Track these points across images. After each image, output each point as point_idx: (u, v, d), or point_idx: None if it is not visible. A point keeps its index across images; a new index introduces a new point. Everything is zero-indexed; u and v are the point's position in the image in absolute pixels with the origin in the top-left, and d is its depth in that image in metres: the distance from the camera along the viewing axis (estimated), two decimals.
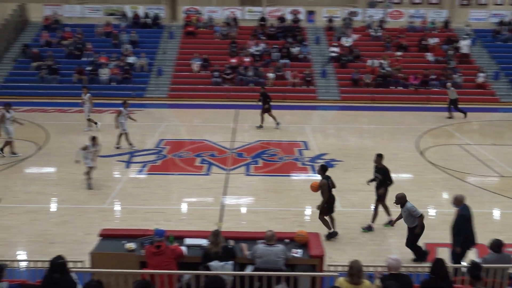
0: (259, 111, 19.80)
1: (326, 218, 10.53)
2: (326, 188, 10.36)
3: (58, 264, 6.33)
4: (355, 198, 12.75)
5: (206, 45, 28.38)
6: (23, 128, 18.70)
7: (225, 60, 26.71)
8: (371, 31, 29.35)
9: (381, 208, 10.94)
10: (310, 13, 31.64)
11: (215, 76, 25.60)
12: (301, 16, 30.59)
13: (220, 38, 28.71)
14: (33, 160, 15.63)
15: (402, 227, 11.02)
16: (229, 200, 12.64)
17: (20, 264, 8.39)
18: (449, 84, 22.50)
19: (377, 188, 10.87)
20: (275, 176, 14.43)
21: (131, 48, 27.25)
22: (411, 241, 9.47)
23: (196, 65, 26.41)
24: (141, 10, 30.48)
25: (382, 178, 10.75)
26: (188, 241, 7.96)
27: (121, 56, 26.67)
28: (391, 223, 10.66)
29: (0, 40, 28.07)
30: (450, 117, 21.51)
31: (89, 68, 25.72)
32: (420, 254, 9.41)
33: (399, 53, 27.57)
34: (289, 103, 24.36)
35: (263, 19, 30.01)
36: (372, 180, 11.17)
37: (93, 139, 13.10)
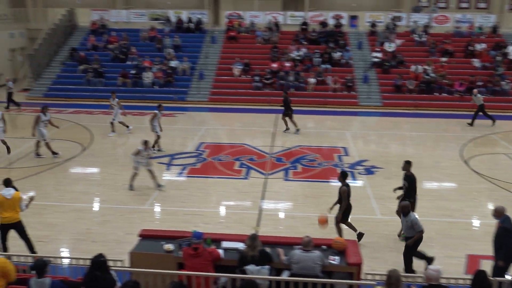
0: (298, 116, 19.73)
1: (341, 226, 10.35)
2: (346, 195, 10.19)
3: (100, 262, 6.48)
4: (395, 206, 12.44)
5: (247, 49, 28.55)
6: (70, 129, 19.32)
7: (266, 65, 26.78)
8: (415, 36, 28.79)
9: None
10: (353, 18, 31.34)
11: (256, 80, 25.70)
12: (344, 21, 30.35)
13: (262, 43, 28.82)
14: (78, 161, 16.09)
15: (445, 237, 10.75)
16: (267, 205, 12.63)
17: (63, 261, 8.62)
18: (475, 90, 21.86)
19: (404, 196, 10.51)
20: (314, 181, 14.33)
21: (174, 52, 27.72)
22: (407, 252, 9.16)
23: (237, 69, 26.61)
24: (184, 15, 30.99)
25: (408, 186, 10.48)
26: (225, 244, 8.00)
27: (164, 60, 27.16)
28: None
29: (50, 43, 29.12)
30: (470, 124, 20.98)
31: (133, 71, 26.31)
32: (409, 268, 9.05)
33: (444, 59, 26.91)
34: (329, 109, 24.18)
35: (305, 23, 29.94)
36: (399, 188, 10.92)
37: (145, 143, 13.13)
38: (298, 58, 27.04)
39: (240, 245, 7.92)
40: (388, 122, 22.31)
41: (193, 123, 21.64)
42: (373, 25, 29.81)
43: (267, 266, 7.29)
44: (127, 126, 19.29)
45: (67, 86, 26.35)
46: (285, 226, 11.45)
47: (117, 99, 19.07)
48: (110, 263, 6.89)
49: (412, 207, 10.27)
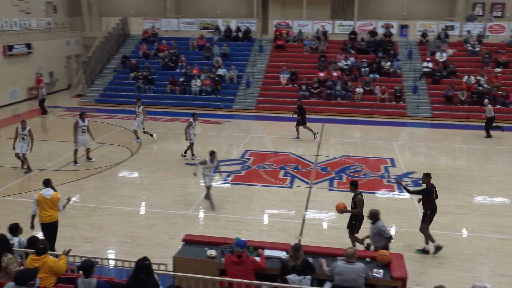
0: (344, 126, 19.50)
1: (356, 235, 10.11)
2: (361, 204, 9.85)
3: (145, 265, 6.59)
4: (444, 220, 12.11)
5: (295, 58, 28.55)
6: (119, 134, 19.83)
7: (313, 74, 26.67)
8: (469, 46, 27.95)
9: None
10: (403, 27, 30.78)
11: (303, 89, 25.63)
12: (394, 30, 29.86)
13: (309, 52, 28.75)
14: (127, 165, 16.51)
15: (498, 254, 10.34)
16: (311, 214, 12.53)
17: (109, 263, 8.83)
18: (486, 101, 21.25)
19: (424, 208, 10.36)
20: None
21: (222, 60, 28.07)
22: None
23: (284, 78, 26.63)
24: (233, 24, 31.36)
25: (423, 197, 10.33)
26: (268, 252, 7.98)
27: (212, 68, 27.55)
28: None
29: (103, 51, 30.13)
30: (488, 136, 20.49)
31: (181, 79, 26.81)
32: None
33: (498, 70, 25.98)
34: (377, 119, 23.80)
35: (353, 33, 29.66)
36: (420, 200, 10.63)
37: (212, 154, 12.65)
38: (345, 67, 26.80)
39: (283, 254, 7.90)
40: (438, 133, 21.70)
41: (239, 130, 21.79)
42: (424, 34, 29.17)
43: (308, 276, 7.22)
44: (152, 135, 19.19)
45: (118, 92, 27.14)
46: (328, 236, 11.31)
47: (142, 106, 19.00)
48: (154, 267, 7.00)
49: (430, 218, 10.26)
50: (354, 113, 24.28)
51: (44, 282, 6.76)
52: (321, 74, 26.34)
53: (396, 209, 12.88)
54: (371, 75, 26.29)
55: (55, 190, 9.99)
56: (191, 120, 16.66)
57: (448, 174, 15.74)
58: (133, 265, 7.05)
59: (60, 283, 7.04)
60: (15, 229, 8.58)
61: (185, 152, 16.90)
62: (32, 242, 8.13)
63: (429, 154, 18.58)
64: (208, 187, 12.75)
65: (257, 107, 25.48)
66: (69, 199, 10.07)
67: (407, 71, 26.96)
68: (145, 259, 6.76)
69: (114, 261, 8.67)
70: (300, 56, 28.80)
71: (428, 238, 10.35)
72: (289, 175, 15.51)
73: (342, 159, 17.22)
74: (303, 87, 25.65)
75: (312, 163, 16.74)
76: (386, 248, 8.90)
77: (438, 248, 10.28)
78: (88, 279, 6.53)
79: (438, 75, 25.93)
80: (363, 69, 26.69)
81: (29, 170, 15.46)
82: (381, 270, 7.48)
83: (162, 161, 16.77)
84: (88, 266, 6.57)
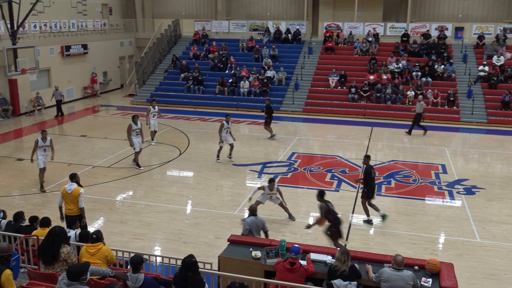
0: (394, 130, 19.09)
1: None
2: (323, 211, 9.98)
3: (192, 263, 6.67)
4: (497, 230, 11.66)
5: (344, 60, 28.24)
6: (169, 133, 20.22)
7: (363, 77, 26.28)
8: None
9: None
10: (458, 29, 29.85)
11: (352, 92, 25.31)
12: (448, 33, 28.99)
13: (359, 54, 28.36)
14: (175, 164, 16.80)
15: None
16: (357, 219, 12.33)
17: (156, 259, 9.00)
18: (420, 97, 21.64)
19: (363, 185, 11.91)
20: (408, 198, 13.77)
21: (271, 62, 28.12)
22: None
23: (333, 80, 26.39)
24: (283, 25, 31.37)
25: (365, 177, 11.79)
26: (313, 256, 7.91)
27: (261, 69, 27.64)
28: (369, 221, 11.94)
29: (155, 52, 30.84)
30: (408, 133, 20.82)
31: (230, 80, 27.04)
32: None
33: None
34: (428, 123, 23.15)
35: (405, 35, 29.02)
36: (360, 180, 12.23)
37: (270, 181, 11.94)
38: (397, 70, 26.25)
39: (328, 258, 7.81)
40: (493, 140, 20.89)
41: (286, 132, 21.74)
42: (481, 37, 28.17)
43: (354, 282, 7.11)
44: (152, 139, 19.04)
45: (169, 92, 27.69)
46: (375, 242, 11.10)
47: (157, 107, 18.95)
48: (199, 265, 7.07)
49: (368, 195, 11.83)
50: (404, 117, 23.74)
51: None
52: (371, 77, 25.92)
53: (447, 217, 12.50)
54: (423, 79, 25.63)
55: (79, 185, 10.24)
56: (224, 121, 16.56)
57: (503, 182, 15.14)
58: (179, 262, 7.16)
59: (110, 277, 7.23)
60: (72, 222, 8.94)
61: (230, 154, 16.93)
62: (85, 235, 8.44)
63: (483, 161, 17.91)
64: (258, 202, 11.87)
65: (305, 109, 25.35)
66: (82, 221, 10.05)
67: (462, 75, 26.12)
68: (191, 256, 6.84)
69: (161, 257, 8.82)
70: (350, 58, 28.46)
71: (367, 211, 11.98)
72: (336, 178, 15.34)
73: (391, 164, 16.87)
74: (352, 89, 25.32)
75: (359, 167, 16.48)
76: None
77: (383, 217, 11.84)
78: (136, 274, 6.67)
79: (495, 79, 24.98)
80: (414, 73, 26.06)
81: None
82: (430, 279, 7.26)
83: (209, 161, 16.96)
84: (137, 262, 6.71)
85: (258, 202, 11.77)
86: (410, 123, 21.00)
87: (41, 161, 13.80)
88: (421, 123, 21.02)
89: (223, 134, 16.45)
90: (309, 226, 10.68)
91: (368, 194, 11.90)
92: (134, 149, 15.98)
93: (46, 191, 13.95)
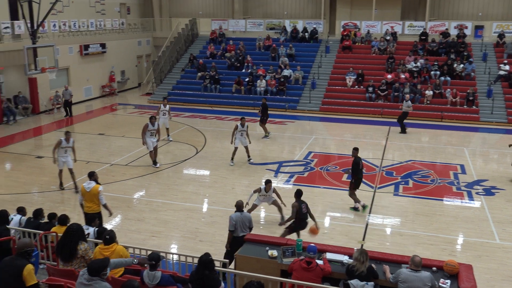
0: (412, 129, 18.89)
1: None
2: (294, 210, 10.22)
3: (209, 261, 6.69)
4: None
5: (362, 59, 28.06)
6: (185, 132, 20.32)
7: (381, 76, 26.08)
8: None
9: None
10: (478, 27, 29.45)
11: (369, 91, 25.13)
12: (468, 31, 28.61)
13: (377, 53, 28.15)
14: (192, 162, 16.88)
15: None
16: (374, 219, 12.25)
17: (173, 257, 9.05)
18: (407, 96, 21.60)
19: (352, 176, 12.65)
20: (425, 199, 13.63)
21: (287, 61, 28.06)
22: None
23: (350, 79, 26.24)
24: (300, 24, 31.27)
25: (352, 169, 12.56)
26: (329, 255, 7.88)
27: (277, 68, 27.60)
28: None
29: (172, 51, 31.00)
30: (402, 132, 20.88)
31: (247, 79, 27.06)
32: None
33: None
34: (446, 123, 22.92)
35: (424, 34, 28.73)
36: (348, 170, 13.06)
37: (267, 183, 11.76)
38: (415, 69, 25.99)
39: (345, 258, 7.77)
40: None
41: (303, 132, 21.68)
42: (501, 35, 27.74)
43: (371, 283, 7.05)
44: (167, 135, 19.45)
45: (186, 91, 27.81)
46: (392, 242, 11.02)
47: (168, 106, 19.27)
48: (216, 264, 7.09)
49: (355, 186, 12.67)
50: (422, 117, 23.51)
51: (114, 271, 7.04)
52: (389, 76, 25.71)
53: (465, 217, 12.35)
54: (442, 78, 25.34)
55: (98, 183, 10.32)
56: (238, 124, 16.34)
57: None
58: (195, 260, 7.18)
59: (127, 274, 7.29)
60: (92, 219, 9.04)
61: (248, 156, 16.83)
62: (100, 233, 8.51)
63: (503, 161, 17.64)
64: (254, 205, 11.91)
65: (322, 108, 25.25)
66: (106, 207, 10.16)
67: (481, 74, 25.76)
68: (208, 255, 6.87)
69: (178, 255, 8.86)
70: (367, 57, 28.27)
71: (355, 200, 12.69)
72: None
73: (409, 164, 16.71)
74: (370, 89, 25.15)
75: (377, 166, 16.37)
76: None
77: (363, 207, 12.69)
78: (153, 271, 6.71)
79: None
80: (432, 72, 25.78)
81: (77, 190, 13.67)
82: (448, 281, 7.18)
83: (226, 159, 16.98)
84: (155, 259, 6.76)
85: (254, 206, 11.82)
86: (428, 122, 20.81)
87: (61, 162, 13.82)
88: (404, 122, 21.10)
89: (238, 136, 16.32)
90: (283, 223, 11.00)
91: (355, 185, 12.70)
92: (148, 148, 16.15)
93: (65, 188, 14.12)
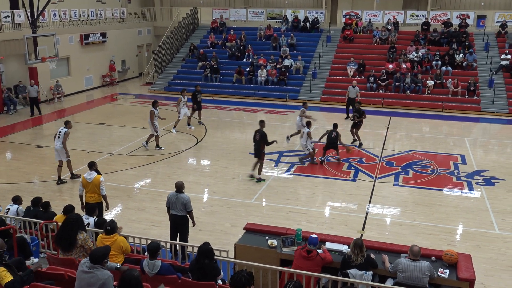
0: (413, 119, 18.86)
1: None
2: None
3: (208, 250, 6.73)
4: None
5: (363, 49, 27.93)
6: (186, 121, 20.25)
7: (382, 66, 26.00)
8: None
9: None
10: (480, 17, 29.28)
11: (370, 81, 25.06)
12: (470, 21, 28.45)
13: (379, 43, 28.03)
14: (192, 152, 16.89)
15: None
16: (374, 209, 12.28)
17: (173, 246, 9.07)
18: (354, 82, 21.91)
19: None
20: (425, 189, 13.64)
21: (288, 51, 27.96)
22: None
23: (351, 69, 26.15)
24: (301, 14, 31.10)
25: (259, 140, 13.72)
26: (329, 245, 7.91)
27: (278, 58, 27.51)
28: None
29: (173, 40, 30.88)
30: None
31: (247, 69, 26.97)
32: None
33: None
34: (447, 113, 22.87)
35: (426, 23, 28.57)
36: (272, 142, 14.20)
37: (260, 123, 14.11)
38: (416, 59, 25.89)
39: (344, 248, 7.79)
40: None
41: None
42: (503, 25, 27.58)
43: (370, 272, 7.09)
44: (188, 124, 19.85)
45: (186, 81, 27.71)
46: (391, 232, 11.05)
47: (186, 97, 19.48)
48: (215, 253, 7.12)
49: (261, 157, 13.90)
50: (423, 107, 23.47)
51: (113, 260, 7.08)
52: (390, 66, 25.62)
53: (465, 208, 12.36)
54: (443, 68, 25.25)
55: (99, 173, 10.33)
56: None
57: None
58: (195, 250, 7.21)
59: (126, 263, 7.33)
60: (92, 209, 9.06)
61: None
62: (101, 224, 8.54)
63: (504, 152, 17.64)
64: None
65: (322, 98, 25.19)
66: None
67: (483, 64, 25.66)
68: (207, 244, 6.90)
69: (178, 245, 8.89)
70: (368, 47, 28.15)
71: (259, 170, 13.95)
72: (353, 168, 15.27)
73: (409, 154, 16.71)
74: (371, 79, 25.07)
75: (377, 156, 16.37)
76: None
77: (260, 180, 13.88)
78: (153, 260, 6.75)
79: None
80: (434, 62, 25.67)
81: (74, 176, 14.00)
82: (447, 270, 7.21)
83: (226, 149, 17.00)
84: (154, 248, 6.79)
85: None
86: (429, 113, 20.76)
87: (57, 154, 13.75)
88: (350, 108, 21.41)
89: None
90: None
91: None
92: (157, 133, 16.64)
93: (77, 175, 13.87)
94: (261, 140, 13.79)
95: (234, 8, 33.29)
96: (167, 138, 18.23)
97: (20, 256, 7.53)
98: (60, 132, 13.48)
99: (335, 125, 15.88)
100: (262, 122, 14.04)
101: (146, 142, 16.88)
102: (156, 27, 34.74)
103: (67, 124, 13.66)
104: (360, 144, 17.44)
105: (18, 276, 6.13)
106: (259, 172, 13.99)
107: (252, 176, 14.12)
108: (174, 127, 19.35)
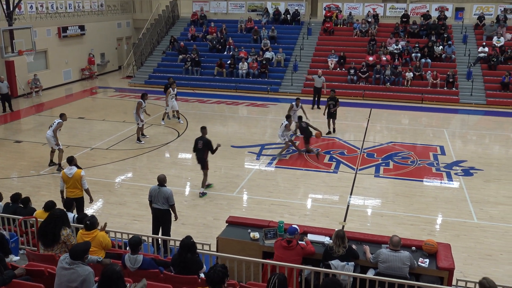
0: (393, 111, 19.04)
1: None
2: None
3: (190, 244, 6.71)
4: (494, 211, 11.73)
5: (343, 42, 28.04)
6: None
7: (362, 58, 26.14)
8: None
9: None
10: (459, 10, 29.60)
11: (351, 73, 25.18)
12: (448, 13, 28.75)
13: (359, 35, 28.16)
14: (173, 146, 16.80)
15: None
16: (355, 200, 12.38)
17: (154, 241, 9.03)
18: (320, 71, 22.47)
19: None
20: (406, 180, 13.80)
21: (269, 43, 27.91)
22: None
23: (332, 61, 26.23)
24: (282, 6, 31.04)
25: (202, 148, 12.59)
26: (311, 237, 7.95)
27: (259, 51, 27.45)
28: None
29: (153, 33, 30.57)
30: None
31: (228, 62, 26.87)
32: None
33: None
34: (427, 105, 23.13)
35: (405, 16, 28.78)
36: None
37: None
38: (396, 51, 26.09)
39: (326, 239, 7.85)
40: (492, 121, 20.87)
41: (285, 114, 21.61)
42: (481, 17, 27.95)
43: (352, 263, 7.16)
44: (178, 118, 19.89)
45: (167, 74, 27.43)
46: (373, 223, 11.16)
47: (176, 89, 19.63)
48: (198, 246, 7.11)
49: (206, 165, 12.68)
50: (403, 99, 23.70)
51: (95, 254, 7.02)
52: (370, 58, 25.78)
53: (445, 198, 12.55)
54: (423, 60, 25.50)
55: (79, 168, 10.24)
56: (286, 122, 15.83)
57: (501, 164, 15.18)
58: (177, 244, 7.19)
59: (108, 258, 7.27)
60: (70, 204, 8.93)
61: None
62: (80, 219, 8.44)
63: (481, 142, 17.92)
64: None
65: (303, 91, 25.23)
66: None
67: (461, 56, 25.98)
68: (189, 238, 6.89)
69: (159, 239, 8.86)
70: (349, 39, 28.26)
71: (203, 181, 12.70)
72: (334, 160, 15.36)
73: (390, 146, 16.87)
74: (351, 71, 25.20)
75: (358, 148, 16.49)
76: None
77: (208, 186, 12.94)
78: (134, 255, 6.71)
79: (494, 60, 24.86)
80: (413, 54, 25.90)
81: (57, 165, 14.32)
82: (427, 260, 7.32)
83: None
84: (136, 243, 6.75)
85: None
86: (409, 104, 20.94)
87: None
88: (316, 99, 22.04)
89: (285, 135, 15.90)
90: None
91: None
92: (139, 124, 16.78)
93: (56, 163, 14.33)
94: (204, 148, 12.56)
95: (215, 1, 33.04)
96: (148, 132, 18.07)
97: None
98: (54, 122, 14.22)
99: (299, 118, 16.32)
100: (204, 129, 12.86)
101: (138, 139, 16.93)
102: (135, 19, 34.33)
103: (62, 116, 14.35)
104: (329, 132, 17.90)
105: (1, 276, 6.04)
106: (203, 184, 12.69)
107: (204, 193, 12.72)
108: (163, 119, 19.48)
